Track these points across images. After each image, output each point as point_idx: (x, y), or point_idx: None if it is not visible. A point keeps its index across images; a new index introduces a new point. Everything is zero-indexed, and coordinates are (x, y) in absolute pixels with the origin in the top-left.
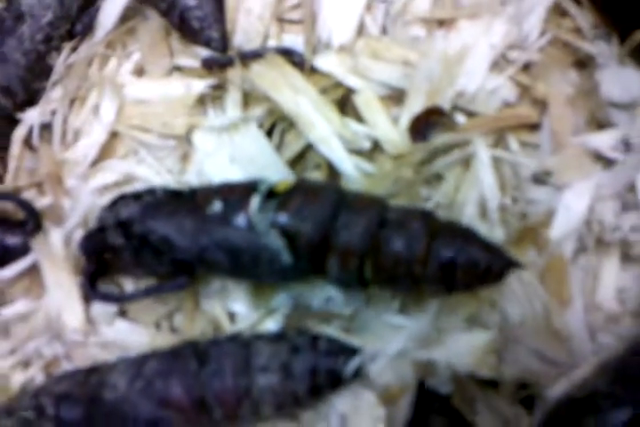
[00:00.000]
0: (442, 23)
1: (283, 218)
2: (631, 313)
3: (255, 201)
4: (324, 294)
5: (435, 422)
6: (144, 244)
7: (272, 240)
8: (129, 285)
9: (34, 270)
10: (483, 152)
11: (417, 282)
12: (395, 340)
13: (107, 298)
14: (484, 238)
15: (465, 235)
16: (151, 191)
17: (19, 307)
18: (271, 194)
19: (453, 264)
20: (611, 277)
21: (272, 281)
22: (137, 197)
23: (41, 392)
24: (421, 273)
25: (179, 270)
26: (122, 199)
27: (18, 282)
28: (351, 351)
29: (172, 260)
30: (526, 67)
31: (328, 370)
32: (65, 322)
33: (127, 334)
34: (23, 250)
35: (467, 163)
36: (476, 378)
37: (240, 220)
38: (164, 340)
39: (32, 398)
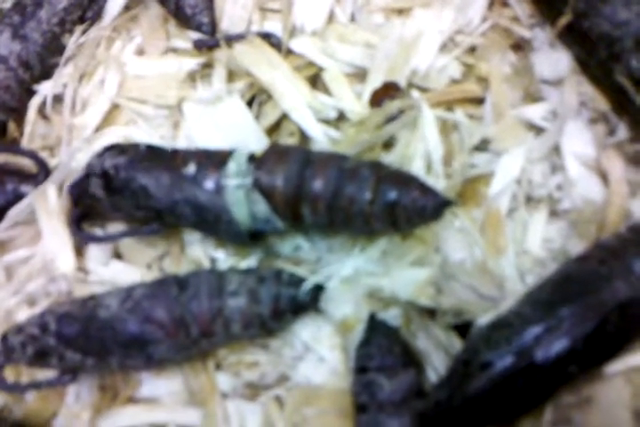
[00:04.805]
0: (400, 12)
1: (260, 176)
2: (554, 259)
3: (232, 166)
4: (293, 244)
5: (380, 342)
6: (126, 188)
7: (234, 204)
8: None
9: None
10: (426, 111)
11: (368, 221)
12: (344, 267)
13: (91, 238)
14: (422, 182)
15: (406, 179)
16: (135, 146)
17: (20, 252)
18: (252, 158)
19: (396, 203)
20: (539, 228)
21: (229, 240)
22: (122, 150)
23: (46, 313)
24: (370, 212)
25: (153, 217)
26: (109, 150)
27: (24, 231)
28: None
29: (147, 206)
30: (471, 49)
31: (289, 297)
32: (57, 267)
33: (121, 273)
34: None
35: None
36: (416, 306)
37: (209, 183)
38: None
39: (38, 318)
